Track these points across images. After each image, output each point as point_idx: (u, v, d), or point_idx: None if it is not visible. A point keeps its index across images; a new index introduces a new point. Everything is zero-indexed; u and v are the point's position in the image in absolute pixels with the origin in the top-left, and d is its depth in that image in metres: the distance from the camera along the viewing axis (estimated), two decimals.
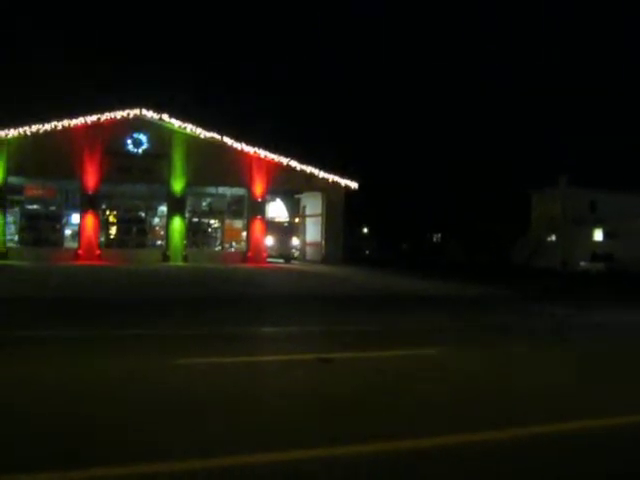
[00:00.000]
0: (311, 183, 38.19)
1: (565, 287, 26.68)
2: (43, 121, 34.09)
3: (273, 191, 39.13)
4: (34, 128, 33.98)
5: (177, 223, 36.46)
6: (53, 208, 36.65)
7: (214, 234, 39.92)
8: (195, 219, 39.01)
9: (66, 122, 34.50)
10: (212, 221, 39.88)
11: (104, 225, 36.96)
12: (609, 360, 10.20)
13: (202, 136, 36.26)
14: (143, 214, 38.46)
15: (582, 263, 45.37)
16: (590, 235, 50.20)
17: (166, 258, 35.75)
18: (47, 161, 33.45)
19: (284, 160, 37.35)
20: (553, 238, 51.16)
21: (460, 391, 7.66)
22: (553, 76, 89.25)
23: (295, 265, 37.20)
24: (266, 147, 37.26)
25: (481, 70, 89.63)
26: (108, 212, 37.72)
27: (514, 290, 23.97)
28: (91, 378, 7.80)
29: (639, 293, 23.39)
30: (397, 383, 8.02)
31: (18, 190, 35.57)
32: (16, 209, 35.83)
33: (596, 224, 50.16)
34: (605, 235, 49.92)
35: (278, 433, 5.83)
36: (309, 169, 37.86)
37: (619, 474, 5.16)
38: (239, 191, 38.71)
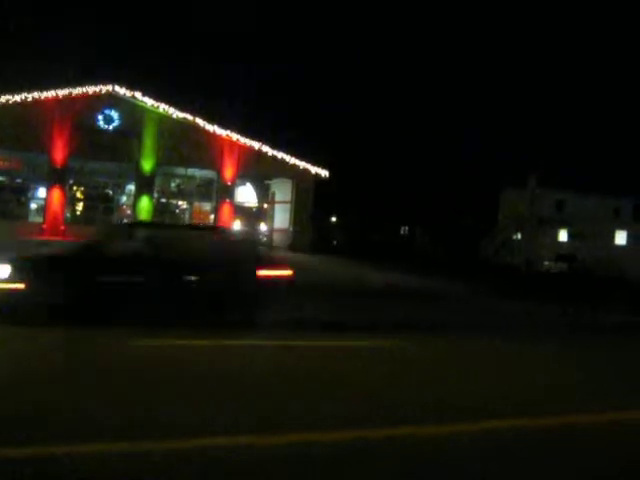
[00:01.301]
0: (282, 169, 38.53)
1: (518, 284, 27.29)
2: (13, 92, 34.00)
3: (243, 175, 39.39)
4: (3, 99, 33.94)
5: (145, 203, 36.61)
6: (19, 181, 36.62)
7: (182, 216, 40.05)
8: (163, 200, 39.16)
9: (37, 94, 34.47)
10: (180, 202, 40.03)
11: (70, 201, 37.04)
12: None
13: (174, 116, 36.42)
14: (110, 192, 38.52)
15: (546, 262, 46.47)
16: (555, 235, 51.33)
17: None
18: (15, 133, 33.48)
19: (256, 145, 37.65)
20: (519, 236, 52.19)
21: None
22: (527, 75, 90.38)
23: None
24: (238, 131, 37.56)
25: (455, 65, 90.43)
26: (75, 188, 37.74)
27: (473, 285, 24.42)
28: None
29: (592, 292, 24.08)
30: (354, 370, 8.43)
31: None
32: None
33: (562, 225, 51.28)
34: (570, 236, 51.10)
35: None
36: (280, 155, 38.22)
37: None
38: (209, 174, 38.91)
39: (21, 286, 10.17)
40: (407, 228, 66.13)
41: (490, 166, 62.58)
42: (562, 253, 47.48)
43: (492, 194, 54.19)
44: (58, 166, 35.12)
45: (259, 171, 39.08)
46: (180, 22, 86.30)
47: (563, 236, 51.60)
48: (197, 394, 6.68)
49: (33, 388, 6.43)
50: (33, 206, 36.94)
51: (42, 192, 36.17)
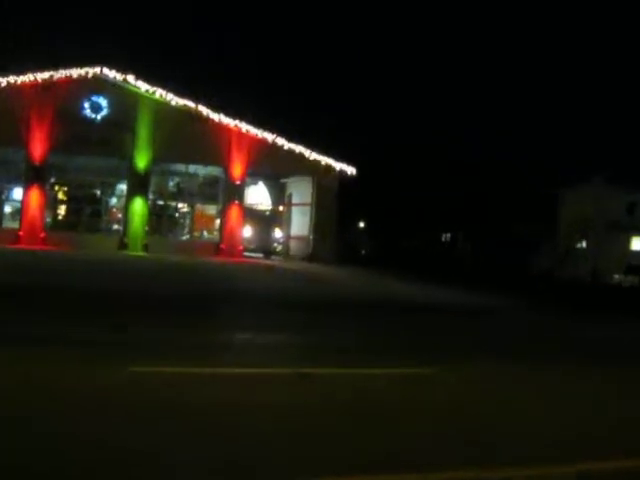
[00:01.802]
0: (300, 166, 38.16)
1: (583, 301, 26.90)
2: None
3: (254, 173, 39.09)
4: None
5: (138, 205, 36.38)
6: None
7: (182, 221, 39.91)
8: (160, 202, 38.96)
9: (12, 78, 34.35)
10: (180, 205, 39.88)
11: (51, 203, 36.90)
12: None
13: (173, 103, 36.20)
14: (98, 192, 38.40)
15: (616, 276, 45.59)
16: (626, 243, 50.43)
17: (123, 246, 35.67)
18: None
19: (269, 137, 37.31)
20: (584, 244, 51.36)
21: (443, 421, 7.66)
22: (593, 65, 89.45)
23: (276, 262, 37.16)
24: (249, 120, 37.24)
25: (502, 55, 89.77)
26: (57, 188, 37.68)
27: (527, 301, 24.09)
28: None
29: None
30: (378, 406, 8.04)
31: None
32: None
33: (634, 231, 50.39)
34: None
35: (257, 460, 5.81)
36: (298, 149, 37.83)
37: None
38: (214, 171, 38.65)
39: None
40: (449, 235, 65.48)
41: (547, 164, 61.72)
42: (634, 264, 46.59)
43: (550, 196, 53.43)
44: (37, 162, 34.88)
45: (273, 168, 38.73)
46: None
47: (636, 244, 50.73)
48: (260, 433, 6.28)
49: None
50: (7, 210, 36.87)
51: (18, 193, 36.02)
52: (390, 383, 9.56)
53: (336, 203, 39.45)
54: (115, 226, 38.06)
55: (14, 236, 34.42)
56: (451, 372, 10.42)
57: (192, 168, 38.53)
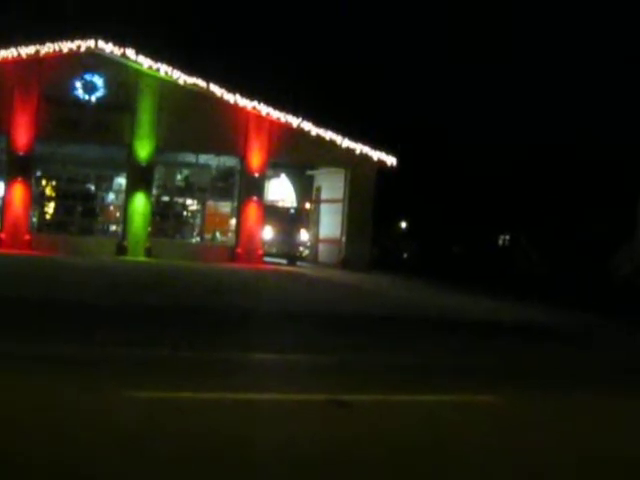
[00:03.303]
0: (331, 155, 38.07)
1: None
2: None
3: (276, 164, 39.09)
4: None
5: (140, 202, 36.45)
6: None
7: (191, 220, 39.91)
8: (165, 198, 39.07)
9: None
10: (189, 202, 39.89)
11: (38, 200, 37.04)
12: None
13: (181, 82, 36.23)
14: (93, 187, 38.51)
15: None
16: None
17: (122, 250, 35.75)
18: None
19: (294, 121, 37.25)
20: None
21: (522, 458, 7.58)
22: None
23: (303, 269, 37.08)
24: (269, 101, 37.18)
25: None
26: (44, 182, 37.80)
27: (614, 320, 23.84)
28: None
29: None
30: (433, 442, 7.95)
31: None
32: None
33: None
34: None
35: None
36: (328, 135, 37.73)
37: None
38: (229, 161, 38.67)
39: None
40: (507, 237, 65.03)
41: (622, 152, 61.11)
42: None
43: (628, 192, 52.86)
44: (20, 152, 35.05)
45: (299, 157, 38.73)
46: None
47: None
48: None
49: None
50: None
51: None
52: (454, 412, 9.49)
53: (373, 200, 39.30)
54: (113, 227, 38.18)
55: None
56: (524, 402, 10.34)
57: (203, 158, 38.60)
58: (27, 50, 34.83)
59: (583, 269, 46.78)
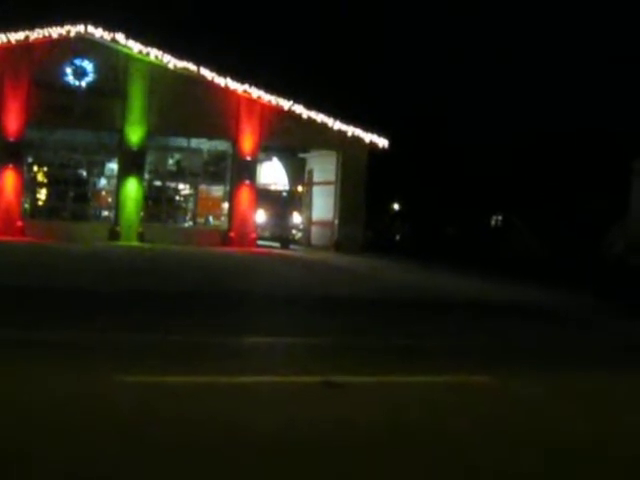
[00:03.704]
0: (323, 137, 38.05)
1: None
2: None
3: (268, 147, 39.08)
4: None
5: (132, 187, 36.43)
6: None
7: (183, 204, 39.92)
8: (157, 183, 39.08)
9: None
10: (181, 186, 39.92)
11: (29, 186, 36.98)
12: None
13: (171, 66, 36.19)
14: (84, 173, 38.45)
15: None
16: None
17: (115, 235, 35.74)
18: None
19: (285, 104, 37.22)
20: None
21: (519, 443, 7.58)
22: None
23: (296, 252, 37.08)
24: (260, 85, 37.14)
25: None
26: (36, 168, 37.74)
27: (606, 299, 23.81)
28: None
29: None
30: (424, 423, 7.94)
31: None
32: None
33: None
34: None
35: None
36: (320, 117, 37.73)
37: None
38: (220, 145, 38.64)
39: None
40: (499, 218, 65.10)
41: (616, 129, 61.09)
42: None
43: (619, 167, 52.83)
44: (11, 139, 34.98)
45: (291, 141, 38.70)
46: None
47: None
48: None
49: None
50: None
51: None
52: (448, 393, 9.48)
53: (365, 181, 39.29)
54: (105, 212, 38.12)
55: None
56: (519, 383, 10.34)
57: (194, 142, 38.56)
58: (16, 36, 34.74)
59: (577, 248, 46.88)
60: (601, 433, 7.94)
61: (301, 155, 42.39)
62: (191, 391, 8.75)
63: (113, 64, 35.99)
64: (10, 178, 35.20)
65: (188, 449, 6.43)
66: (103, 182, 38.91)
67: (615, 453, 7.23)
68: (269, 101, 37.18)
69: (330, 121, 37.89)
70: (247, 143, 37.32)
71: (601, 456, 7.13)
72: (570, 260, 41.89)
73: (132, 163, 36.43)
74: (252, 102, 37.11)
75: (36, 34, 34.91)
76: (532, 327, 17.00)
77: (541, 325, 17.55)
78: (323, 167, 41.07)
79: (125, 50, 35.96)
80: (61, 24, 35.27)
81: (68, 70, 35.57)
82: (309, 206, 41.98)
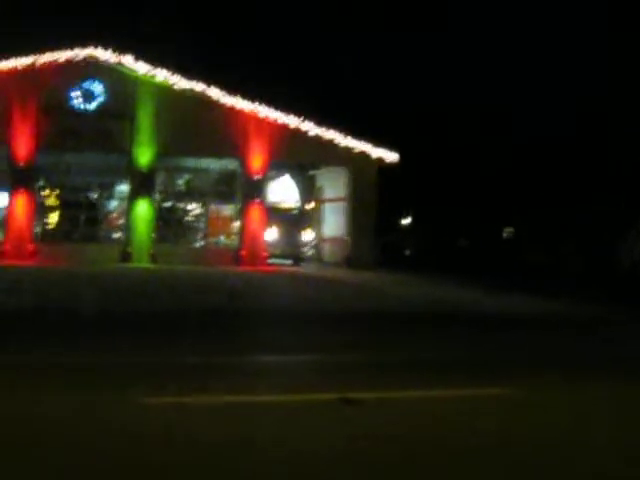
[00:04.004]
0: (332, 154, 38.05)
1: None
2: None
3: (278, 165, 39.01)
4: None
5: (142, 209, 36.46)
6: None
7: (194, 225, 39.85)
8: (168, 203, 39.03)
9: None
10: (191, 206, 39.83)
11: (41, 210, 37.02)
12: None
13: (179, 87, 36.24)
14: (95, 196, 38.48)
15: None
16: None
17: (127, 257, 35.76)
18: None
19: (294, 121, 37.27)
20: None
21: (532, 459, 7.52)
22: None
23: (308, 269, 37.02)
24: (269, 103, 37.20)
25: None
26: (47, 192, 37.74)
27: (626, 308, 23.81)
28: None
29: None
30: (447, 438, 7.89)
31: None
32: None
33: None
34: None
35: None
36: (328, 134, 37.74)
37: None
38: (230, 164, 38.62)
39: None
40: (510, 230, 64.97)
41: (627, 125, 60.81)
42: None
43: (631, 168, 52.58)
44: (22, 163, 35.05)
45: (300, 158, 38.73)
46: None
47: None
48: None
49: None
50: None
51: (2, 200, 36.21)
52: (465, 407, 9.42)
53: (376, 197, 39.27)
54: (116, 234, 38.09)
55: None
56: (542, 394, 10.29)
57: (204, 162, 38.57)
58: (24, 61, 34.85)
59: (590, 257, 46.74)
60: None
61: (311, 172, 42.39)
62: (207, 411, 8.73)
63: (121, 86, 36.06)
64: (21, 202, 35.28)
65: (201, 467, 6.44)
66: (114, 204, 38.93)
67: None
68: (277, 119, 37.23)
69: (339, 137, 37.92)
70: (256, 161, 37.34)
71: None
72: (584, 269, 41.80)
73: (142, 184, 36.48)
74: (260, 120, 37.16)
75: (44, 58, 35.04)
76: (549, 338, 16.91)
77: (559, 336, 17.47)
78: (333, 183, 41.09)
79: (133, 73, 36.07)
80: (68, 47, 35.40)
81: (76, 93, 35.66)
82: (320, 223, 41.99)
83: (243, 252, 37.23)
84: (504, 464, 7.05)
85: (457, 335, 16.73)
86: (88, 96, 35.82)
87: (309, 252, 41.82)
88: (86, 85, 35.82)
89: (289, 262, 39.33)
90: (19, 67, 34.85)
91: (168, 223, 38.58)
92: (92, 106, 35.83)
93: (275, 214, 39.91)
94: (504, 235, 64.87)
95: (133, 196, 36.59)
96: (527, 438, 8.02)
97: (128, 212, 36.72)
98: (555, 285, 31.21)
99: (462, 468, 6.87)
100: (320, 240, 41.87)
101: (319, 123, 37.68)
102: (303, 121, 37.37)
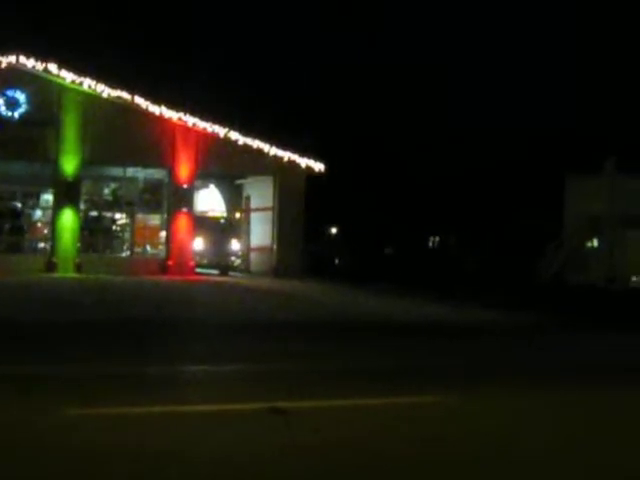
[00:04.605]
0: (259, 163, 38.07)
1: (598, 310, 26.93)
2: None
3: (205, 174, 38.95)
4: None
5: (68, 218, 36.05)
6: None
7: (120, 234, 39.57)
8: (93, 213, 38.77)
9: None
10: (118, 216, 39.58)
11: None
12: None
13: (105, 95, 35.96)
14: (19, 205, 38.01)
15: (634, 278, 45.87)
16: None
17: (52, 267, 35.30)
18: None
19: (221, 130, 37.20)
20: (594, 244, 51.57)
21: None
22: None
23: (235, 278, 37.00)
24: (195, 112, 37.09)
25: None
26: None
27: (538, 315, 24.11)
28: None
29: None
30: (369, 450, 7.92)
31: None
32: None
33: None
34: None
35: None
36: (256, 144, 37.74)
37: None
38: (157, 173, 38.46)
39: None
40: (436, 239, 65.66)
41: (546, 145, 62.02)
42: None
43: (554, 182, 53.54)
44: None
45: (227, 167, 38.64)
46: None
47: None
48: None
49: None
50: None
51: None
52: (391, 417, 9.46)
53: (303, 206, 39.37)
54: (41, 244, 37.65)
55: None
56: (470, 401, 10.37)
57: (130, 171, 38.27)
58: None
59: (515, 267, 47.44)
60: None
61: (238, 181, 42.36)
62: (135, 422, 8.68)
63: (46, 94, 35.67)
64: None
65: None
66: (38, 213, 38.50)
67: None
68: (204, 128, 37.13)
69: (266, 147, 37.94)
70: (183, 171, 37.20)
71: None
72: (509, 279, 42.38)
73: (67, 193, 36.05)
74: (187, 130, 37.04)
75: None
76: (473, 346, 17.04)
77: (482, 343, 17.64)
78: (260, 193, 41.07)
79: (58, 80, 35.66)
80: None
81: (0, 101, 35.18)
82: (247, 232, 41.95)
83: (170, 262, 37.03)
84: (435, 472, 7.13)
85: (389, 344, 16.77)
86: (12, 104, 35.33)
87: (237, 262, 41.76)
88: (9, 92, 35.33)
89: (216, 272, 39.27)
90: None
91: (94, 232, 38.24)
92: (16, 114, 35.34)
93: (202, 223, 39.84)
94: (430, 244, 65.61)
95: (58, 205, 36.15)
96: (462, 445, 8.12)
97: (53, 222, 36.26)
98: (482, 294, 31.53)
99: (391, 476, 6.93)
100: (247, 249, 41.81)
101: (246, 133, 37.68)
102: (230, 130, 37.30)
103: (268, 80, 75.15)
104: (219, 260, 40.58)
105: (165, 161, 37.07)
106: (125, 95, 36.14)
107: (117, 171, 38.46)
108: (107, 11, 74.90)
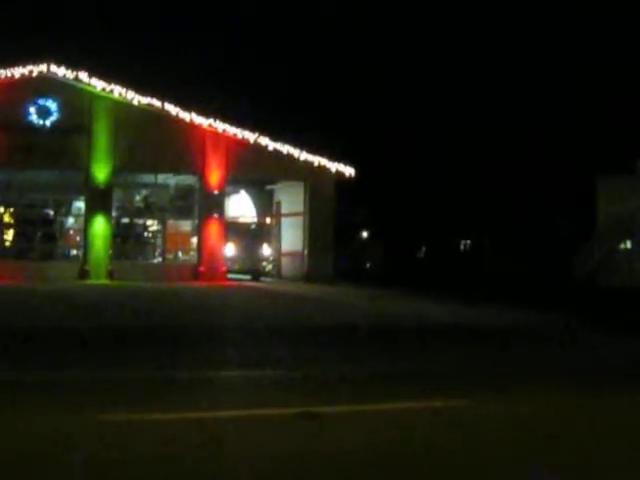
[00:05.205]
0: (289, 169, 38.07)
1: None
2: None
3: (235, 180, 38.99)
4: None
5: (100, 225, 36.21)
6: None
7: (152, 241, 39.70)
8: (125, 219, 38.90)
9: None
10: (149, 222, 39.71)
11: None
12: None
13: (135, 103, 36.11)
14: (52, 212, 38.23)
15: None
16: None
17: (84, 274, 35.49)
18: None
19: (251, 136, 37.22)
20: (628, 245, 51.18)
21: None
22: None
23: (267, 284, 37.00)
24: (225, 118, 37.15)
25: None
26: (2, 210, 37.44)
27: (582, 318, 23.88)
28: None
29: None
30: (407, 454, 7.90)
31: None
32: None
33: None
34: None
35: None
36: (286, 149, 37.75)
37: None
38: (187, 180, 38.55)
39: None
40: (467, 242, 65.44)
41: (580, 143, 61.59)
42: None
43: (586, 183, 53.22)
44: None
45: (258, 173, 38.65)
46: None
47: None
48: None
49: None
50: None
51: None
52: (425, 421, 9.41)
53: (333, 211, 39.32)
54: (74, 251, 37.86)
55: None
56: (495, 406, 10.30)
57: (161, 178, 38.44)
58: None
59: (548, 268, 47.17)
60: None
61: (269, 187, 42.37)
62: (169, 427, 8.69)
63: (77, 102, 35.85)
64: None
65: None
66: (70, 221, 38.74)
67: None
68: (235, 134, 37.17)
69: (296, 152, 37.93)
70: (214, 177, 37.27)
71: None
72: (544, 280, 42.11)
73: (99, 201, 36.24)
74: (218, 136, 37.11)
75: None
76: (506, 350, 16.85)
77: (517, 347, 17.43)
78: (291, 198, 41.06)
79: (89, 88, 35.86)
80: (22, 64, 35.13)
81: (32, 110, 35.39)
82: (278, 238, 41.93)
83: (202, 268, 37.10)
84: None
85: (429, 347, 16.70)
86: (43, 112, 35.55)
87: (268, 267, 41.79)
88: (41, 101, 35.55)
89: (248, 277, 39.31)
90: None
91: (126, 239, 38.40)
92: (47, 122, 35.55)
93: (234, 229, 39.91)
94: (461, 247, 65.38)
95: (90, 213, 36.33)
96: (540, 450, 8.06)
97: (85, 229, 36.44)
98: (518, 296, 31.32)
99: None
100: (279, 255, 41.82)
101: (277, 138, 37.69)
102: (260, 136, 37.32)
103: (298, 86, 75.19)
104: (250, 265, 40.65)
105: (196, 167, 37.15)
106: (155, 102, 36.26)
107: (148, 178, 38.61)
108: (135, 19, 75.36)
